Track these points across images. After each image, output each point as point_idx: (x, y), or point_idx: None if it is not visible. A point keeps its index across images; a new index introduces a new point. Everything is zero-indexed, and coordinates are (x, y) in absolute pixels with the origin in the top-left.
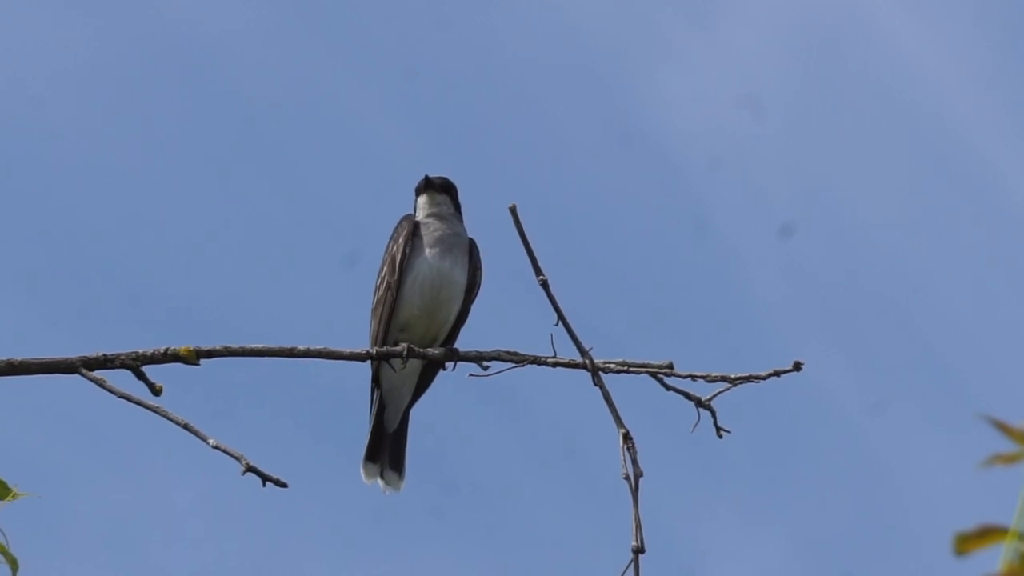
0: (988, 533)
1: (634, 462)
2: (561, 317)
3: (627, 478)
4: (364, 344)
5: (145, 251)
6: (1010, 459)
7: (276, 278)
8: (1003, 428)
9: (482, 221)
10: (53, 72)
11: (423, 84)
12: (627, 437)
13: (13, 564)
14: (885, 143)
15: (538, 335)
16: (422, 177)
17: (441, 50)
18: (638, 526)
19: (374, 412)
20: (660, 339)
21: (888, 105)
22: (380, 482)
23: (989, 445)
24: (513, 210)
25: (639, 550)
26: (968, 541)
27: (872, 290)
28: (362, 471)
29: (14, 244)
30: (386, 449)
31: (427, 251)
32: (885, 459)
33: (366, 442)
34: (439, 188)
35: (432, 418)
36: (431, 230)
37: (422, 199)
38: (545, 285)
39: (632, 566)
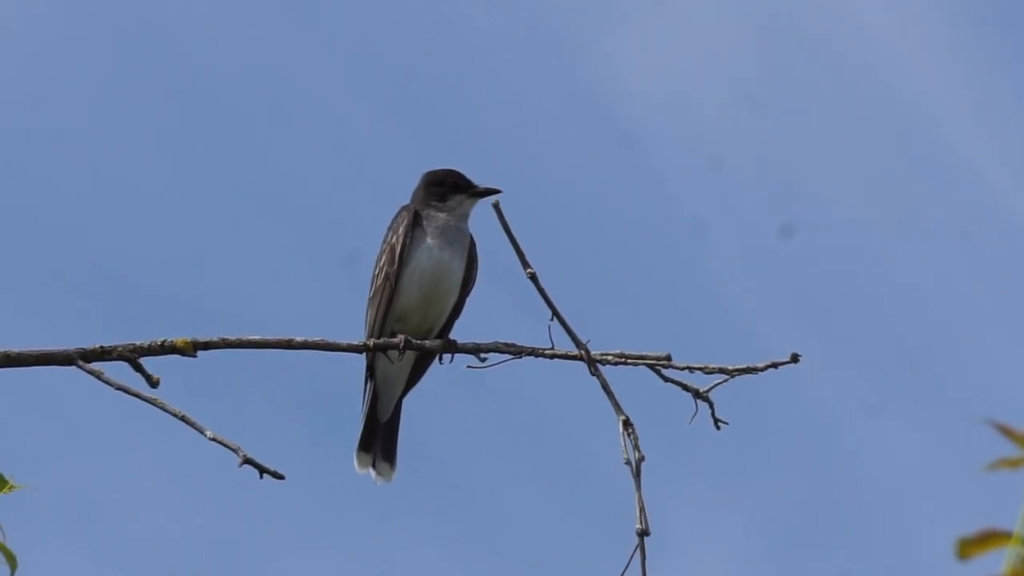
0: (991, 537)
1: (635, 447)
2: (553, 309)
3: (628, 463)
4: (360, 334)
5: (141, 243)
6: (1014, 463)
7: (272, 270)
8: (1006, 432)
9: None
10: (56, 65)
11: (407, 79)
12: (627, 423)
13: (11, 560)
14: (851, 121)
15: (535, 330)
16: (457, 174)
17: (435, 49)
18: (642, 509)
19: (367, 402)
20: (637, 328)
21: (852, 81)
22: (372, 472)
23: (957, 432)
24: (496, 206)
25: (644, 533)
26: (971, 545)
27: (851, 281)
28: (355, 460)
29: (8, 236)
30: (379, 439)
31: (428, 241)
32: (857, 446)
33: (359, 432)
34: (450, 183)
35: (424, 410)
36: (435, 223)
37: (469, 201)
38: (534, 278)
39: (639, 549)
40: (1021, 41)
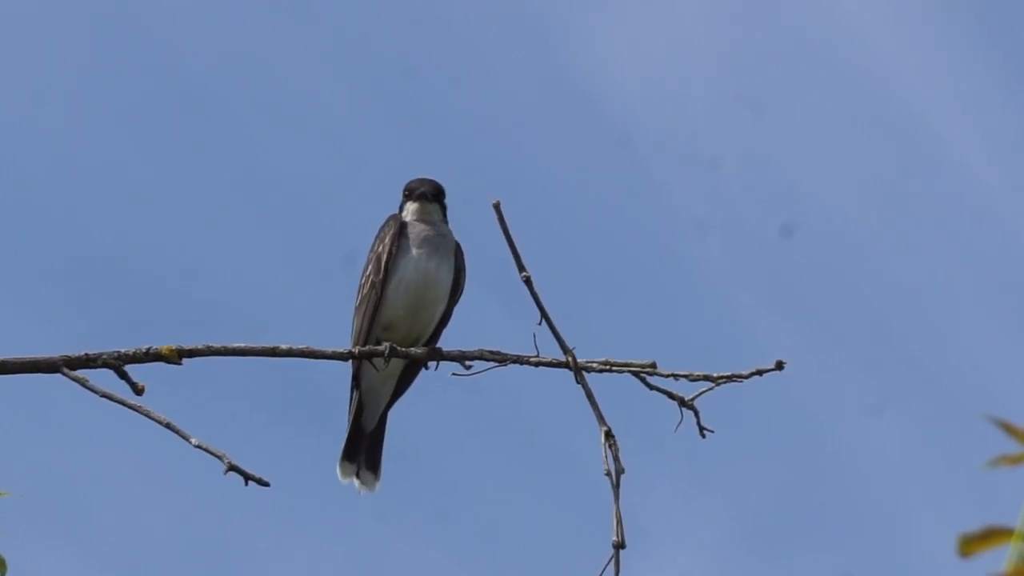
0: (992, 535)
1: (616, 459)
2: (544, 314)
3: (608, 474)
4: (346, 343)
5: (128, 250)
6: (1015, 460)
7: (259, 278)
8: (1008, 428)
9: (458, 217)
10: (53, 67)
11: (404, 78)
12: (609, 435)
13: (1, 564)
14: (845, 120)
15: (520, 337)
16: (414, 181)
17: (430, 48)
18: (619, 522)
19: (352, 413)
20: (633, 330)
21: (846, 80)
22: (356, 482)
23: (953, 430)
24: (497, 206)
25: (620, 545)
26: (972, 542)
27: (847, 281)
28: (338, 470)
29: None
30: (363, 449)
31: (414, 251)
32: (854, 446)
33: (343, 442)
34: (431, 195)
35: (411, 415)
36: (418, 231)
37: (413, 205)
38: (528, 282)
39: (613, 561)
40: (1012, 42)
